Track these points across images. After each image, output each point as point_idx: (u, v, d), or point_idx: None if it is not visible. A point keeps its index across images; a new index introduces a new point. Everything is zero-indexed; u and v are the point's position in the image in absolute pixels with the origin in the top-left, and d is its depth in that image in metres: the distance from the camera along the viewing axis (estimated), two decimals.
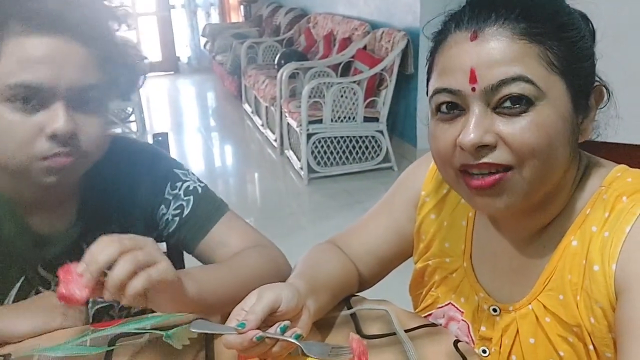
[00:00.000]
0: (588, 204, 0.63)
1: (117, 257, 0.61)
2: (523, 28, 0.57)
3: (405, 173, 0.85)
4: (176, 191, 0.89)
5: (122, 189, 0.87)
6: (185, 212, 0.88)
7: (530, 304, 0.67)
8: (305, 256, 0.81)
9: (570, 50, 0.58)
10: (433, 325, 0.77)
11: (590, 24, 0.64)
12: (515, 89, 0.56)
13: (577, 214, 0.63)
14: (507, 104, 0.56)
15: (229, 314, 0.65)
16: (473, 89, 0.57)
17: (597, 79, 0.63)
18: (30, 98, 0.69)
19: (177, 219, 0.88)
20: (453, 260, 0.77)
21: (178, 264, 1.18)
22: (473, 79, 0.57)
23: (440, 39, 0.62)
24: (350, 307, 0.80)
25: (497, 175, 0.58)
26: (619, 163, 0.66)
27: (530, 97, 0.56)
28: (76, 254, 0.84)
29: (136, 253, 0.62)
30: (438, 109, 0.61)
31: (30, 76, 0.68)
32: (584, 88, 0.60)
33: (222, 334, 0.63)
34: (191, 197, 0.89)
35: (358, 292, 0.83)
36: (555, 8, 0.59)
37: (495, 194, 0.60)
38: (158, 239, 0.97)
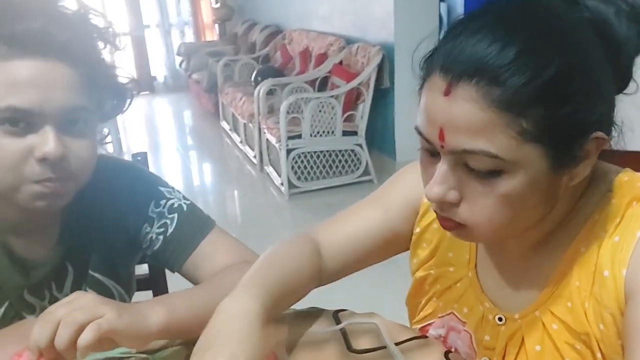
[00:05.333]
0: (596, 210, 0.62)
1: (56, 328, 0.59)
2: (495, 95, 0.51)
3: (405, 173, 0.81)
4: (160, 209, 0.87)
5: (104, 209, 0.85)
6: (170, 230, 0.87)
7: (537, 310, 0.66)
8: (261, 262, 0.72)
9: (555, 111, 0.52)
10: (423, 337, 0.76)
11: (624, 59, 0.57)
12: (479, 162, 0.54)
13: (584, 221, 0.62)
14: (475, 168, 0.55)
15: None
16: (442, 147, 0.56)
17: (598, 125, 0.55)
18: (19, 121, 0.68)
19: (161, 237, 0.87)
20: (457, 269, 0.76)
21: (161, 284, 1.16)
22: (442, 138, 0.55)
23: (428, 70, 0.57)
24: (338, 322, 0.80)
25: (453, 225, 0.60)
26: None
27: (495, 169, 0.54)
28: (61, 276, 0.83)
29: (74, 314, 0.60)
30: (422, 145, 0.60)
31: (18, 100, 0.67)
32: (572, 143, 0.55)
33: None
34: (175, 215, 0.87)
35: (317, 286, 0.78)
36: (543, 66, 0.51)
37: (457, 236, 0.64)
38: (142, 258, 0.96)
